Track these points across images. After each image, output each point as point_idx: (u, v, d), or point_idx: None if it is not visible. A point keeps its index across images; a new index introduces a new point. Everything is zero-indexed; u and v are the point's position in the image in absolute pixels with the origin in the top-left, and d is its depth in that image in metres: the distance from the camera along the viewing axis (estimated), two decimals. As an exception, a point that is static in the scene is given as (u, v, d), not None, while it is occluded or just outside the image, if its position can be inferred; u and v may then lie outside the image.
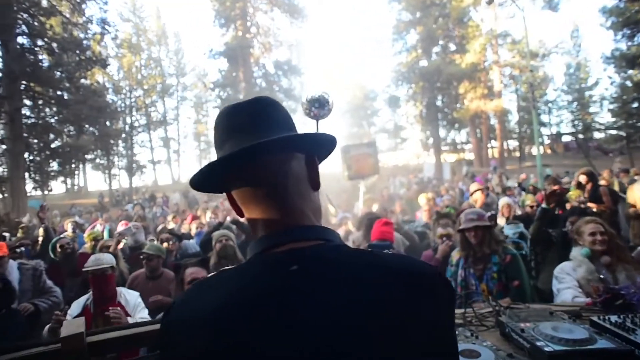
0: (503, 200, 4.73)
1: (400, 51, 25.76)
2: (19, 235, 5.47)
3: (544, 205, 2.81)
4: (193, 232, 5.78)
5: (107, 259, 2.60)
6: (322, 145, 0.71)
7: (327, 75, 35.72)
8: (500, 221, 4.14)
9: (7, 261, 3.29)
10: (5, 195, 19.86)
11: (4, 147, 19.14)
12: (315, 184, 0.68)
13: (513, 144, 31.05)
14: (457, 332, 1.46)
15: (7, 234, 5.30)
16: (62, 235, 4.70)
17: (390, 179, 18.12)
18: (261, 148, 0.61)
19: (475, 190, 5.05)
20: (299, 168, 0.66)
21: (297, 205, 0.64)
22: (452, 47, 24.65)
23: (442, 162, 24.61)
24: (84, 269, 2.55)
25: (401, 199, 8.90)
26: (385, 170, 29.82)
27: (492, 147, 28.62)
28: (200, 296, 0.60)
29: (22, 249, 4.42)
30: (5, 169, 19.82)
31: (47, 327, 2.29)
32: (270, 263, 0.60)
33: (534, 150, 14.47)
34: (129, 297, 2.57)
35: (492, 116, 25.12)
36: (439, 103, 26.00)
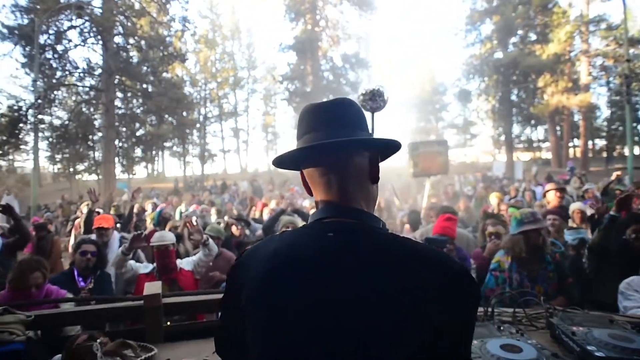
0: (574, 206, 4.33)
1: (473, 42, 24.36)
2: (111, 212, 6.20)
3: (613, 212, 2.56)
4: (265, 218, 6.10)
5: (169, 237, 2.92)
6: (388, 148, 0.86)
7: (395, 69, 35.03)
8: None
9: (112, 232, 3.84)
10: (100, 177, 22.54)
11: (100, 134, 21.69)
12: (374, 178, 0.80)
13: (600, 143, 27.96)
14: (502, 328, 1.45)
15: (100, 210, 6.03)
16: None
17: (456, 176, 17.34)
18: (332, 145, 0.75)
19: (549, 190, 4.66)
20: (362, 163, 0.79)
21: (353, 192, 0.77)
22: (532, 36, 22.72)
23: (515, 160, 22.97)
24: (150, 244, 2.89)
25: (466, 197, 8.52)
26: (451, 167, 28.63)
27: (574, 146, 26.05)
28: (264, 245, 0.78)
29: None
30: (100, 154, 22.46)
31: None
32: (315, 229, 0.75)
33: (626, 151, 12.92)
34: (186, 268, 2.91)
35: (576, 112, 22.81)
36: (513, 97, 24.18)
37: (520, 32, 22.96)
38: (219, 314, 0.83)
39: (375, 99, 2.58)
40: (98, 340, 1.37)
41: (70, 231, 5.83)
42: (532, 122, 25.90)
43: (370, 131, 0.85)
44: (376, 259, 0.67)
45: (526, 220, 2.37)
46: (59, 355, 1.39)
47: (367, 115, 2.53)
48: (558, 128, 23.91)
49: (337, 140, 0.76)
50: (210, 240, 2.99)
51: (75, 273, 2.90)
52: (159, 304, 1.61)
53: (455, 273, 0.67)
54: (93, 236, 3.60)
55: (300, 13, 27.04)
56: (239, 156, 36.19)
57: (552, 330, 1.46)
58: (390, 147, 0.86)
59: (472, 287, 0.68)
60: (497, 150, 28.23)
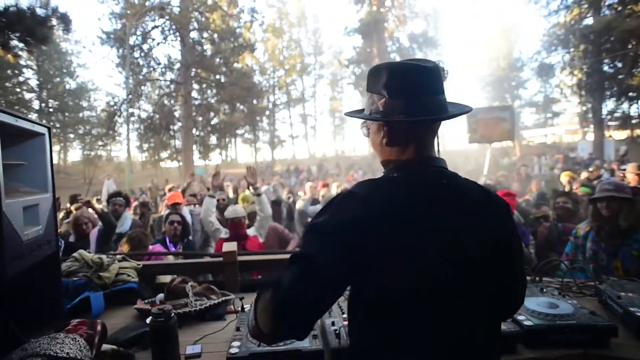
0: None
1: (557, 10, 21.89)
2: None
3: None
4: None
5: (240, 211, 3.39)
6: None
7: (467, 45, 32.89)
8: None
9: (182, 207, 4.39)
10: (180, 163, 24.75)
11: (179, 124, 23.73)
12: None
13: None
14: (544, 290, 1.51)
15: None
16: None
17: (535, 158, 16.08)
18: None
19: (629, 172, 4.26)
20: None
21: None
22: (634, -5, 19.74)
23: (607, 139, 20.50)
24: (225, 217, 3.33)
25: (538, 179, 7.98)
26: (530, 148, 26.50)
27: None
28: (378, 192, 0.82)
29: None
30: (180, 143, 24.60)
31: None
32: (431, 174, 0.86)
33: None
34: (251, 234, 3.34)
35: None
36: (606, 68, 21.40)
37: (618, -9, 20.09)
38: (315, 249, 0.76)
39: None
40: (189, 284, 1.71)
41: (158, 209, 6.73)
42: (631, 95, 22.75)
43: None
44: (478, 199, 0.87)
45: (598, 189, 2.28)
46: (162, 295, 1.76)
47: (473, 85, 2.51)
48: (666, 101, 20.76)
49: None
50: (263, 195, 3.43)
51: (167, 240, 3.42)
52: (234, 259, 1.92)
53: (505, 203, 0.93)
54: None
55: (366, -6, 26.51)
56: (307, 141, 37.08)
57: (599, 296, 1.49)
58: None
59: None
60: (585, 129, 25.40)
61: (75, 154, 32.99)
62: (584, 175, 6.57)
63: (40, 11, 6.55)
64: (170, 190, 6.66)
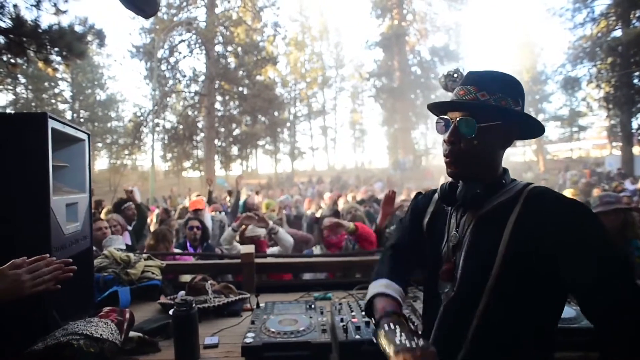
0: None
1: (582, 22, 21.54)
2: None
3: None
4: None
5: (259, 231, 3.24)
6: None
7: (489, 59, 32.63)
8: None
9: (204, 213, 4.56)
10: (202, 173, 25.33)
11: (202, 135, 24.37)
12: None
13: None
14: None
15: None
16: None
17: (561, 173, 15.69)
18: None
19: None
20: None
21: None
22: (665, 7, 19.25)
23: (637, 154, 19.82)
24: (246, 235, 3.34)
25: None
26: (554, 162, 25.84)
27: None
28: None
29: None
30: (202, 153, 25.21)
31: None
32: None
33: None
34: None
35: None
36: (636, 81, 20.80)
37: (648, 3, 19.62)
38: None
39: (456, 80, 2.69)
40: (209, 282, 1.82)
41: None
42: (661, 109, 21.99)
43: None
44: None
45: (594, 204, 2.31)
46: (183, 292, 1.88)
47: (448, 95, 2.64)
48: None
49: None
50: (279, 229, 3.10)
51: (188, 244, 3.57)
52: (252, 261, 2.03)
53: None
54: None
55: (387, 9, 26.81)
56: (327, 153, 37.29)
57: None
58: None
59: None
60: (613, 143, 24.59)
61: (102, 162, 34.29)
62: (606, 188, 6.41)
63: (78, 28, 7.00)
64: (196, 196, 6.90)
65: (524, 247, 0.83)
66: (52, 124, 1.30)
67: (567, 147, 28.84)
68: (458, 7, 26.65)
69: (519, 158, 29.75)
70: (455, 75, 2.23)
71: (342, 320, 1.38)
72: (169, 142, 24.42)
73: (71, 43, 6.44)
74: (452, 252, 0.96)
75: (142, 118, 22.37)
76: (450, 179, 1.02)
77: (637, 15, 19.99)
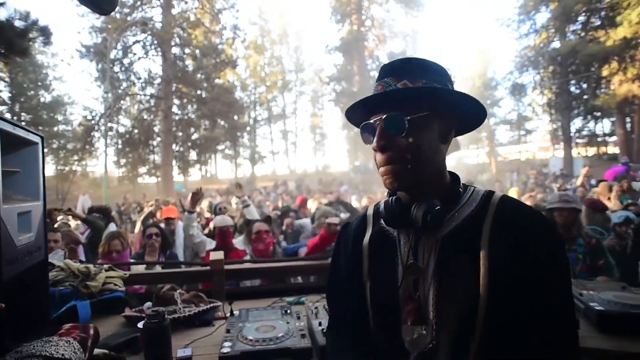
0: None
1: (527, 33, 23.13)
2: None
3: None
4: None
5: (228, 221, 3.38)
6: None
7: (445, 65, 34.02)
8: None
9: (176, 222, 4.38)
10: (159, 179, 24.36)
11: (159, 139, 23.45)
12: None
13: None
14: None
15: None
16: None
17: (507, 174, 16.65)
18: None
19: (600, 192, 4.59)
20: None
21: None
22: (596, 22, 21.11)
23: (575, 156, 21.50)
24: (213, 226, 3.33)
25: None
26: (504, 164, 27.42)
27: (649, 140, 23.79)
28: None
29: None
30: (159, 157, 24.26)
31: None
32: None
33: None
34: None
35: (651, 102, 20.81)
36: (573, 89, 22.63)
37: (581, 18, 21.42)
38: None
39: None
40: (178, 291, 1.74)
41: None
42: (596, 114, 24.04)
43: None
44: None
45: (552, 200, 2.49)
46: (149, 303, 1.78)
47: None
48: (628, 120, 21.98)
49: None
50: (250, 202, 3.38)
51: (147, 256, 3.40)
52: (221, 268, 1.96)
53: None
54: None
55: (346, 14, 27.31)
56: (288, 157, 37.19)
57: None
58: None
59: None
60: (555, 145, 26.54)
61: (48, 168, 31.91)
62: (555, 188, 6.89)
63: (19, 23, 6.49)
64: (150, 206, 6.62)
65: (505, 265, 0.71)
66: (0, 124, 1.18)
67: (516, 150, 30.73)
68: (415, 14, 27.71)
69: (472, 160, 31.29)
70: None
71: (320, 324, 1.36)
72: (123, 147, 23.29)
73: (11, 39, 5.96)
74: (414, 287, 0.78)
75: (93, 122, 21.14)
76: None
77: (571, 29, 21.78)
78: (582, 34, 20.95)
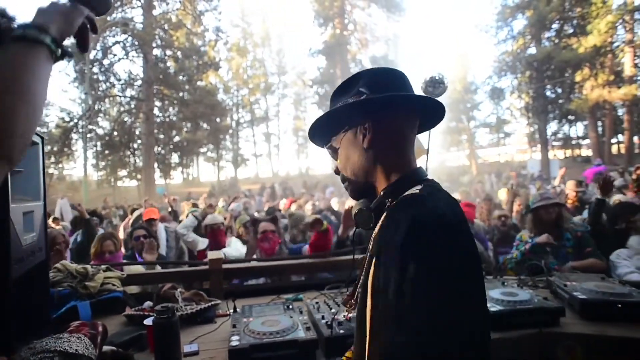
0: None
1: (505, 39, 23.84)
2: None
3: (598, 196, 2.79)
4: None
5: (219, 219, 3.48)
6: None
7: (425, 69, 34.72)
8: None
9: (157, 223, 4.34)
10: (140, 182, 23.90)
11: (139, 141, 23.03)
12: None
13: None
14: (505, 283, 1.72)
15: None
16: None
17: (486, 175, 17.10)
18: (440, 105, 0.81)
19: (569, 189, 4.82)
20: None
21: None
22: (568, 30, 21.97)
23: (551, 158, 22.24)
24: (204, 224, 3.36)
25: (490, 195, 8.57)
26: (484, 166, 28.12)
27: (618, 142, 24.84)
28: (441, 199, 0.68)
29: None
30: (140, 160, 23.81)
31: None
32: (438, 187, 0.74)
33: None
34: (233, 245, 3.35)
35: (620, 106, 21.76)
36: (548, 93, 23.44)
37: (555, 25, 22.24)
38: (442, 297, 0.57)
39: (437, 85, 2.72)
40: (178, 289, 1.76)
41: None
42: (570, 118, 24.95)
43: None
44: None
45: (535, 200, 2.62)
46: (149, 302, 1.79)
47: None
48: (600, 123, 22.89)
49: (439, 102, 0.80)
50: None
51: (137, 256, 3.38)
52: (220, 267, 1.99)
53: None
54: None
55: (329, 18, 27.55)
56: (271, 160, 37.07)
57: (550, 286, 1.72)
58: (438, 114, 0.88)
59: None
60: (533, 148, 27.39)
61: (22, 172, 30.78)
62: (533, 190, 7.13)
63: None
64: (132, 211, 6.50)
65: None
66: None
67: (495, 152, 31.53)
68: (396, 18, 28.19)
69: (453, 163, 31.92)
70: (438, 77, 2.34)
71: (323, 317, 1.41)
72: (102, 150, 22.76)
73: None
74: None
75: (71, 124, 20.58)
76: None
77: (546, 36, 22.60)
78: (557, 41, 21.77)
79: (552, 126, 25.47)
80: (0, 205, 1.13)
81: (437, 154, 35.14)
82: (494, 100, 28.38)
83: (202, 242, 3.26)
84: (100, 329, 1.25)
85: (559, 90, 23.02)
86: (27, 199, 1.43)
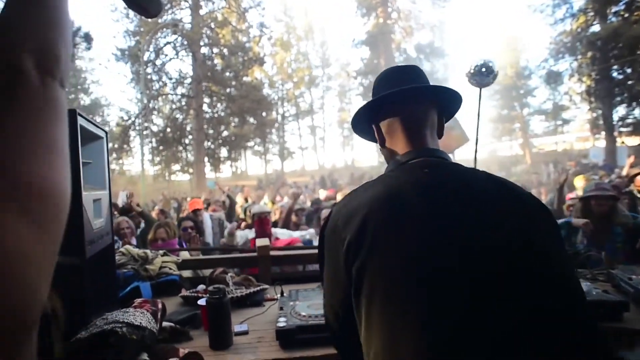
0: None
1: (562, 18, 22.07)
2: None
3: None
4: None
5: (266, 208, 3.63)
6: (453, 103, 0.94)
7: (474, 55, 33.08)
8: None
9: (202, 213, 4.62)
10: (192, 175, 25.13)
11: (190, 137, 24.17)
12: (440, 134, 0.90)
13: None
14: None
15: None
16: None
17: (543, 165, 16.05)
18: (415, 89, 0.87)
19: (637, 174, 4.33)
20: (434, 118, 0.89)
21: (431, 140, 0.86)
22: (640, 2, 19.83)
23: (619, 145, 20.38)
24: (252, 213, 3.49)
25: (546, 186, 8.05)
26: (539, 156, 26.38)
27: None
28: (356, 195, 0.81)
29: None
30: (192, 155, 25.01)
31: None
32: (408, 169, 0.79)
33: None
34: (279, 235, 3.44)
35: None
36: (615, 75, 21.39)
37: (623, -2, 20.18)
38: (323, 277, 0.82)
39: (484, 74, 2.51)
40: (229, 274, 1.86)
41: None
42: (642, 101, 22.65)
43: (477, 108, 1.05)
44: (476, 189, 0.72)
45: (588, 189, 2.42)
46: (203, 285, 1.91)
47: (475, 91, 2.51)
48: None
49: (418, 86, 0.87)
50: None
51: (184, 245, 3.61)
52: (267, 254, 2.07)
53: (532, 197, 0.76)
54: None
55: (372, 7, 27.04)
56: (316, 153, 37.36)
57: (612, 280, 1.60)
58: (455, 103, 0.94)
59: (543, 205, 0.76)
60: (595, 135, 25.25)
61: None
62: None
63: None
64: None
65: None
66: (79, 120, 1.32)
67: (552, 141, 29.47)
68: (442, 4, 27.04)
69: (506, 152, 30.28)
70: (484, 69, 2.24)
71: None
72: (157, 146, 24.17)
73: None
74: None
75: (129, 122, 22.07)
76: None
77: (613, 10, 20.55)
78: (626, 15, 19.73)
79: (619, 111, 23.26)
80: (75, 193, 1.26)
81: (488, 144, 33.53)
82: (550, 85, 26.39)
83: (250, 232, 3.40)
84: (160, 306, 1.36)
85: (628, 71, 20.91)
86: (95, 187, 1.58)
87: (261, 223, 3.20)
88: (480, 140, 2.15)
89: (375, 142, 0.94)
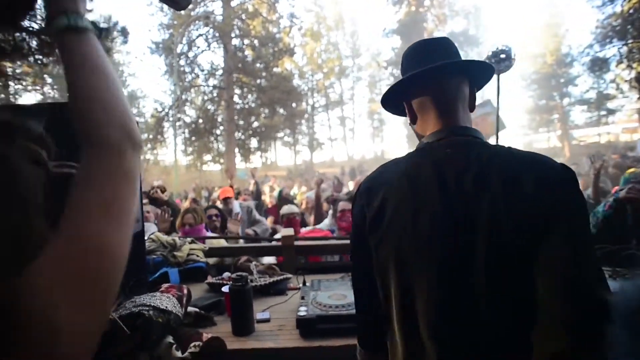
0: None
1: (611, 0, 20.59)
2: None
3: None
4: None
5: (295, 209, 3.61)
6: (484, 74, 0.92)
7: (510, 42, 31.55)
8: None
9: (232, 201, 4.71)
10: (223, 165, 25.69)
11: (221, 128, 24.66)
12: (472, 107, 0.89)
13: None
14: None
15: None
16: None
17: (584, 158, 15.18)
18: (445, 66, 0.83)
19: None
20: (466, 91, 0.87)
21: (462, 116, 0.84)
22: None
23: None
24: (281, 214, 3.52)
25: (586, 178, 7.61)
26: (579, 148, 25.00)
27: None
28: (385, 169, 0.87)
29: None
30: (223, 146, 25.53)
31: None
32: (432, 148, 0.81)
33: None
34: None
35: None
36: (669, 60, 19.80)
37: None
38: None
39: (502, 60, 2.44)
40: (253, 262, 1.89)
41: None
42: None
43: (496, 95, 1.03)
44: (494, 169, 0.71)
45: (631, 179, 2.25)
46: (228, 273, 1.95)
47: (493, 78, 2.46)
48: None
49: (451, 62, 0.84)
50: None
51: (210, 231, 3.72)
52: (292, 244, 2.09)
53: (558, 169, 0.71)
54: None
55: (403, -5, 26.37)
56: (346, 144, 37.20)
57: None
58: (486, 73, 0.91)
59: (573, 180, 0.70)
60: (645, 126, 23.62)
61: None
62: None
63: (103, 26, 7.18)
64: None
65: None
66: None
67: (594, 132, 27.84)
68: (478, -11, 25.91)
69: (543, 145, 28.95)
70: (502, 55, 2.15)
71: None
72: (189, 137, 24.84)
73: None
74: None
75: (163, 113, 22.79)
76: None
77: (671, -11, 18.98)
78: (682, -4, 18.18)
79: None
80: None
81: (523, 135, 32.13)
82: (595, 72, 24.74)
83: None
84: (185, 291, 1.40)
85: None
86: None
87: (290, 224, 3.23)
88: (514, 132, 2.04)
89: (405, 116, 0.96)
